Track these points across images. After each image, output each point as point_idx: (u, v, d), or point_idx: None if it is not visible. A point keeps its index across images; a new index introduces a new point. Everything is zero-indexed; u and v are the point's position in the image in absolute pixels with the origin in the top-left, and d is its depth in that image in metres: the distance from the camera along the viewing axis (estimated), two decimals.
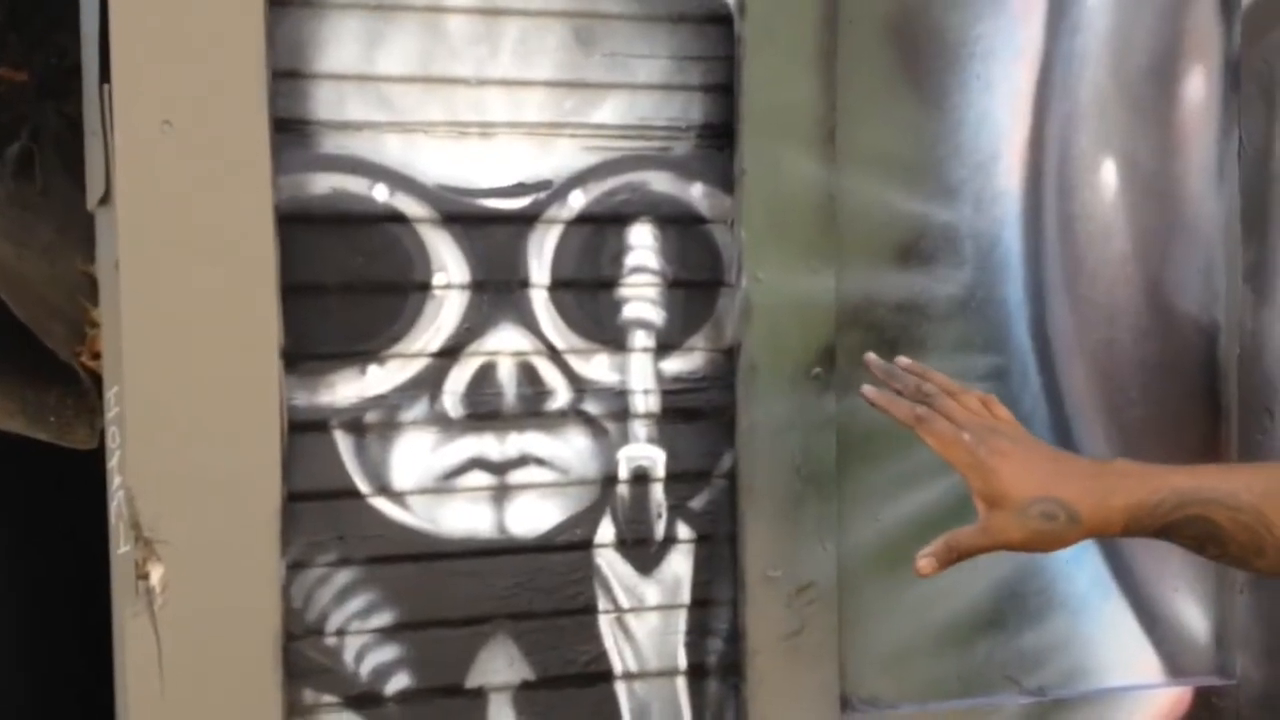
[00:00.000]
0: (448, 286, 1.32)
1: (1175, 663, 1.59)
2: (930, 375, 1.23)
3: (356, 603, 1.31)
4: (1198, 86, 1.57)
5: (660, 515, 1.39)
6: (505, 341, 1.34)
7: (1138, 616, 1.57)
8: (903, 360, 1.26)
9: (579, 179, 1.35)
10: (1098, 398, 1.54)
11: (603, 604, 1.38)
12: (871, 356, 1.26)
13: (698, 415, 1.40)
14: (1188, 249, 1.57)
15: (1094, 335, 1.54)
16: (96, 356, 1.55)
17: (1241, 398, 1.56)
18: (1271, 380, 1.57)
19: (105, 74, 1.20)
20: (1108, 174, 1.54)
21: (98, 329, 1.49)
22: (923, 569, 1.15)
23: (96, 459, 1.38)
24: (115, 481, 1.23)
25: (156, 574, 1.21)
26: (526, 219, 1.34)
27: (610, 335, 1.37)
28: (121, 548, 1.21)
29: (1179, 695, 1.57)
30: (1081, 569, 1.49)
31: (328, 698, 1.30)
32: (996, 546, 1.14)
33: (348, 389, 1.30)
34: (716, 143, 1.39)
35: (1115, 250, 1.55)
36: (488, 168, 1.33)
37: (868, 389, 1.23)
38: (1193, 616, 1.59)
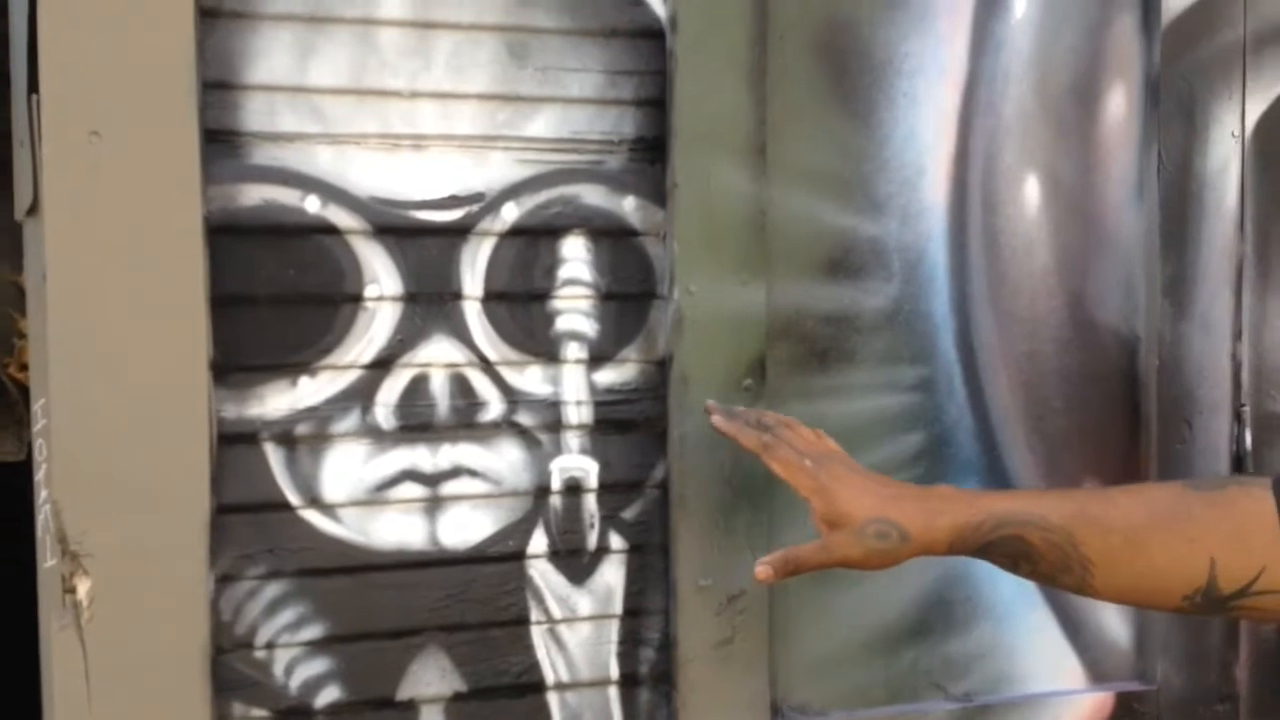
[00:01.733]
0: (380, 298, 1.32)
1: (1097, 669, 1.62)
2: (767, 414, 1.34)
3: (287, 615, 1.30)
4: (1119, 104, 1.61)
5: (593, 526, 1.40)
6: (438, 353, 1.34)
7: (1061, 624, 1.60)
8: (739, 408, 1.36)
9: (512, 191, 1.36)
10: (1021, 408, 1.57)
11: (535, 614, 1.38)
12: (711, 403, 1.36)
13: (630, 426, 1.41)
14: (1108, 263, 1.61)
15: (1017, 347, 1.57)
16: (25, 368, 1.54)
17: (1161, 409, 1.60)
18: (1190, 391, 1.60)
19: (34, 84, 1.19)
20: (1031, 189, 1.57)
21: (26, 340, 1.47)
22: (759, 575, 1.24)
23: (25, 471, 1.37)
24: (42, 494, 1.22)
25: (84, 587, 1.20)
26: (459, 231, 1.35)
27: (543, 347, 1.38)
28: (49, 561, 1.20)
29: (1101, 700, 1.60)
30: (1006, 577, 1.51)
31: (257, 711, 1.29)
32: (835, 563, 1.23)
33: (278, 401, 1.30)
34: (649, 156, 1.41)
35: (1038, 264, 1.58)
36: (420, 180, 1.33)
37: (717, 418, 1.33)
38: (1114, 623, 1.63)
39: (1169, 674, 1.61)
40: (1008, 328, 1.56)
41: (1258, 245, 1.64)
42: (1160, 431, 1.60)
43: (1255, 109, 1.62)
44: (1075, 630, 1.61)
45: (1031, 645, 1.59)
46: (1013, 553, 1.18)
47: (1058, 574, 1.16)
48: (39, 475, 1.23)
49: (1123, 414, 1.62)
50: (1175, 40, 1.60)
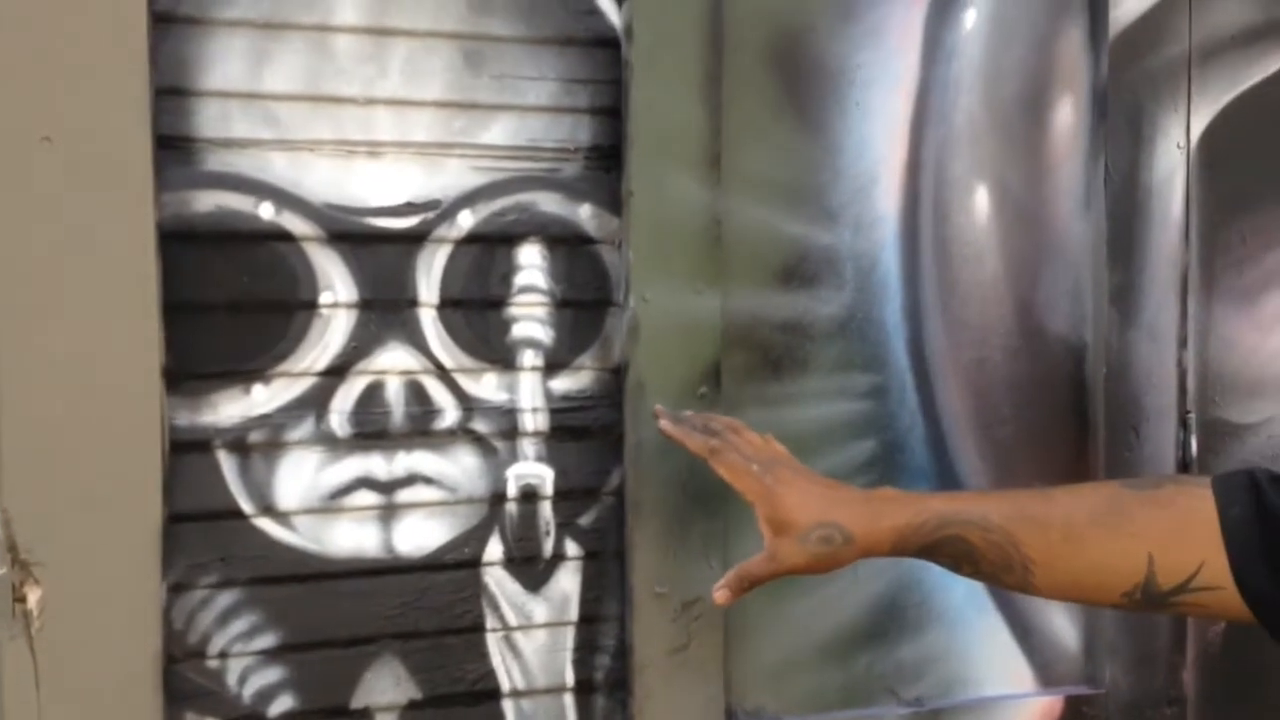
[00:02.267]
0: (335, 305, 1.32)
1: (1047, 672, 1.64)
2: (715, 418, 1.34)
3: (240, 624, 1.30)
4: (1067, 115, 1.63)
5: (548, 533, 1.40)
6: (393, 360, 1.34)
7: (1011, 628, 1.62)
8: (687, 413, 1.37)
9: (468, 199, 1.36)
10: (971, 415, 1.59)
11: (490, 622, 1.38)
12: (659, 408, 1.37)
13: (586, 433, 1.41)
14: (1056, 272, 1.63)
15: (968, 354, 1.59)
16: None
17: (1108, 416, 1.62)
18: (1137, 399, 1.63)
19: None
20: (981, 199, 1.59)
21: None
22: (718, 600, 1.26)
23: None
24: None
25: (34, 597, 1.18)
26: (415, 238, 1.34)
27: (499, 354, 1.38)
28: None
29: (1050, 703, 1.62)
30: (958, 583, 1.53)
31: None
32: (783, 572, 1.24)
33: (231, 408, 1.29)
34: (604, 164, 1.41)
35: (988, 272, 1.60)
36: (376, 187, 1.33)
37: (664, 423, 1.34)
38: (1063, 628, 1.65)
39: (1117, 677, 1.63)
40: (958, 335, 1.58)
41: (1202, 255, 1.67)
42: (1108, 438, 1.62)
43: (1200, 121, 1.65)
44: (1025, 634, 1.63)
45: (982, 650, 1.61)
46: (955, 553, 1.19)
47: (1000, 573, 1.18)
48: None
49: (1071, 421, 1.65)
50: (1122, 53, 1.62)
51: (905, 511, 1.21)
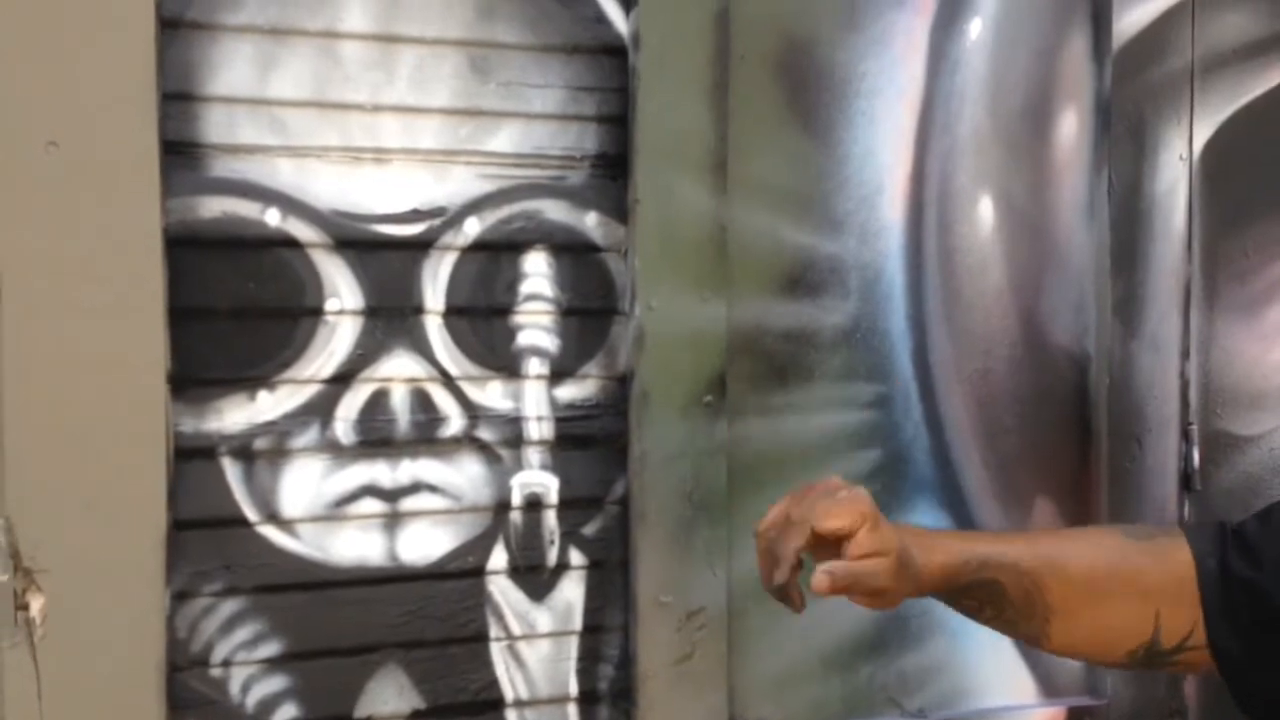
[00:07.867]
0: (340, 312, 1.31)
1: (1049, 683, 1.64)
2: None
3: (243, 633, 1.29)
4: (1070, 126, 1.64)
5: (553, 542, 1.39)
6: (399, 368, 1.33)
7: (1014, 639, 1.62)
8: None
9: (474, 206, 1.36)
10: (975, 425, 1.59)
11: (494, 631, 1.37)
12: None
13: (591, 442, 1.41)
14: (1060, 282, 1.63)
15: (972, 364, 1.59)
16: None
17: (1111, 426, 1.62)
18: (1139, 409, 1.63)
19: None
20: (985, 209, 1.59)
21: None
22: (818, 586, 1.05)
23: None
24: None
25: (37, 604, 1.17)
26: (421, 245, 1.34)
27: (504, 362, 1.37)
28: (0, 577, 1.18)
29: (1053, 715, 1.62)
30: None
31: None
32: (880, 588, 1.08)
33: (236, 415, 1.28)
34: (610, 172, 1.41)
35: (992, 282, 1.60)
36: (382, 193, 1.32)
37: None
38: None
39: (1119, 689, 1.63)
40: (962, 345, 1.58)
41: (1205, 266, 1.67)
42: (1110, 449, 1.63)
43: (1203, 133, 1.66)
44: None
45: (985, 660, 1.60)
46: (984, 596, 1.13)
47: (1020, 620, 1.13)
48: None
49: (1073, 432, 1.65)
50: (1126, 65, 1.63)
51: (952, 549, 1.13)
